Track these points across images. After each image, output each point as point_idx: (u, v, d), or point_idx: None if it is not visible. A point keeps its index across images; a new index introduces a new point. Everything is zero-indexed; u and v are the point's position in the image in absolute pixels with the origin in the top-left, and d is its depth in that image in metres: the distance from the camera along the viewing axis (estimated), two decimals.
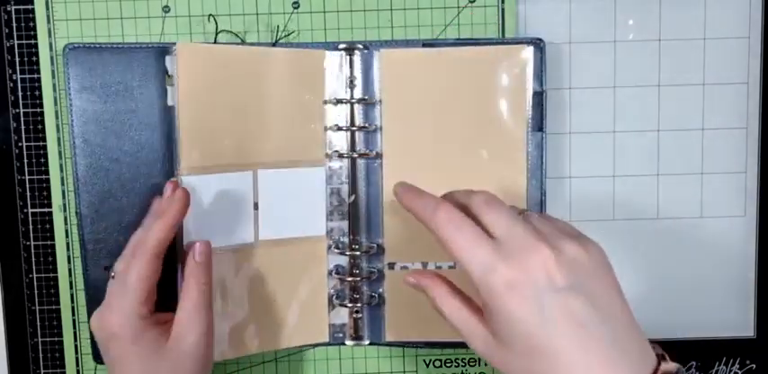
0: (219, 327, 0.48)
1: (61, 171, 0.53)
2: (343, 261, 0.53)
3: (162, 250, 0.44)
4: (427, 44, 0.52)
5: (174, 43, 0.48)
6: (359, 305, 0.53)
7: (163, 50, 0.51)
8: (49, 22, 0.52)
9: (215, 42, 0.52)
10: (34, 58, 0.53)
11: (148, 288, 0.44)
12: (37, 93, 0.53)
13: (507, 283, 0.33)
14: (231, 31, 0.53)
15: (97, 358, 0.53)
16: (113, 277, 0.46)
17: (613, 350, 0.32)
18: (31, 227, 0.54)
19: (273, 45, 0.52)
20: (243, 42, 0.52)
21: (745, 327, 0.57)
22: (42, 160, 0.54)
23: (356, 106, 0.52)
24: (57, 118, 0.53)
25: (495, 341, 0.35)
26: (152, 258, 0.44)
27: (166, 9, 0.53)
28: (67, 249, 0.54)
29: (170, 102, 0.51)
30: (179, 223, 0.45)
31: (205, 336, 0.44)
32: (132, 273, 0.44)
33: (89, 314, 0.52)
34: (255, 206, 0.51)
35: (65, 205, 0.54)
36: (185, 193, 0.45)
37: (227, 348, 0.50)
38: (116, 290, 0.45)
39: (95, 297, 0.52)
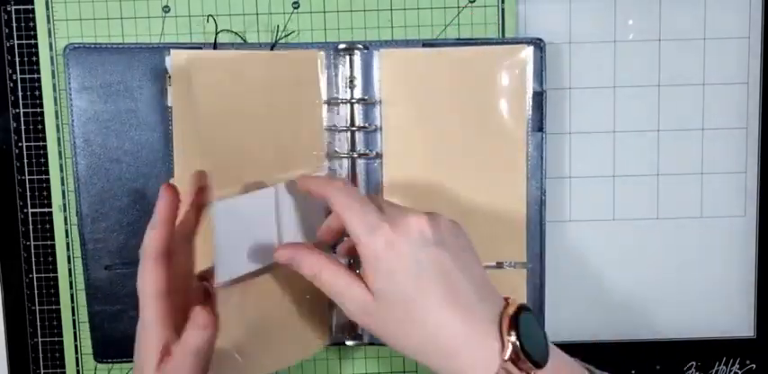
0: (231, 351, 0.46)
1: (61, 171, 0.53)
2: (344, 261, 0.53)
3: (161, 252, 0.43)
4: (427, 44, 0.52)
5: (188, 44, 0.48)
6: None
7: (163, 50, 0.51)
8: (49, 22, 0.52)
9: (215, 42, 0.52)
10: (34, 58, 0.53)
11: (159, 293, 0.43)
12: (37, 93, 0.53)
13: (388, 242, 0.38)
14: (232, 31, 0.53)
15: (98, 357, 0.53)
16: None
17: (473, 294, 0.38)
18: (30, 226, 0.54)
19: (273, 45, 0.52)
20: (244, 42, 0.52)
21: (745, 327, 0.57)
22: (42, 160, 0.54)
23: (356, 106, 0.52)
24: (57, 118, 0.53)
25: (373, 300, 0.39)
26: (153, 261, 0.43)
27: (166, 9, 0.53)
28: (67, 249, 0.54)
29: (169, 103, 0.51)
30: (171, 219, 0.44)
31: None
32: (140, 280, 0.43)
33: (89, 313, 0.52)
34: (277, 220, 0.47)
35: (65, 205, 0.54)
36: (171, 189, 0.44)
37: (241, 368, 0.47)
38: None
39: (96, 296, 0.52)
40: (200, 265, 0.47)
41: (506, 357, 0.36)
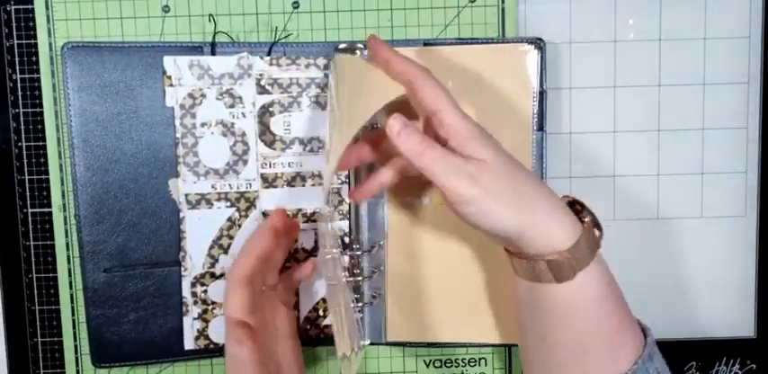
0: None
1: (61, 171, 0.53)
2: (345, 261, 0.53)
3: (246, 278, 0.45)
4: (427, 44, 0.52)
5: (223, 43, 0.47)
6: (359, 305, 0.53)
7: (163, 50, 0.51)
8: (48, 21, 0.52)
9: (213, 42, 0.52)
10: (34, 58, 0.53)
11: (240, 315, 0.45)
12: (36, 92, 0.53)
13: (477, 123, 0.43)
14: (225, 33, 0.52)
15: (96, 361, 0.53)
16: None
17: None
18: (30, 226, 0.54)
19: (272, 45, 0.52)
20: (235, 43, 0.52)
21: (745, 327, 0.57)
22: (42, 160, 0.54)
23: None
24: (56, 118, 0.53)
25: (478, 164, 0.41)
26: (238, 285, 0.45)
27: (166, 9, 0.53)
28: (67, 249, 0.54)
29: (169, 103, 0.51)
30: (265, 254, 0.46)
31: None
32: (225, 302, 0.45)
33: (87, 317, 0.52)
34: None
35: (64, 205, 0.54)
36: (272, 228, 0.47)
37: None
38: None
39: (94, 298, 0.52)
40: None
41: (585, 226, 0.41)
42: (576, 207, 0.43)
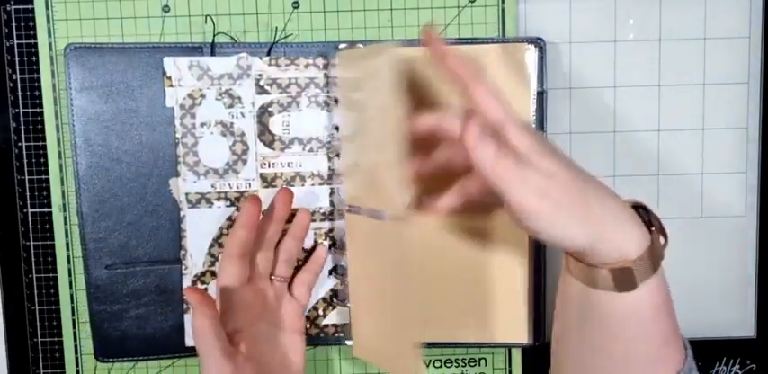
0: None
1: (61, 171, 0.53)
2: (344, 261, 0.53)
3: (241, 251, 0.46)
4: None
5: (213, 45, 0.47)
6: (350, 305, 0.53)
7: (163, 50, 0.51)
8: (48, 21, 0.52)
9: (213, 43, 0.52)
10: (34, 58, 0.53)
11: (231, 289, 0.46)
12: (37, 93, 0.53)
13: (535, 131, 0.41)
14: (225, 33, 0.53)
15: (98, 356, 0.53)
16: None
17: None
18: (30, 226, 0.54)
19: (271, 46, 0.52)
20: (235, 44, 0.52)
21: (745, 327, 0.57)
22: (42, 160, 0.54)
23: None
24: (56, 118, 0.53)
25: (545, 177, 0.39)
26: (233, 259, 0.46)
27: (166, 9, 0.53)
28: (67, 249, 0.54)
29: (169, 104, 0.51)
30: (253, 222, 0.47)
31: None
32: (219, 276, 0.47)
33: (90, 313, 0.52)
34: None
35: (64, 205, 0.54)
36: (254, 199, 0.47)
37: None
38: None
39: (97, 294, 0.52)
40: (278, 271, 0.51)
41: (652, 236, 0.40)
42: (641, 211, 0.42)
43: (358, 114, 0.48)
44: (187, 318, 0.53)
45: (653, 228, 0.41)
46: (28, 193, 0.54)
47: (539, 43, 0.51)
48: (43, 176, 0.54)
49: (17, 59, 0.53)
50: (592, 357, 0.42)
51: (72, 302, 0.55)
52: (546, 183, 0.38)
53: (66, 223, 0.54)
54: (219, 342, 0.43)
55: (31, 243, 0.54)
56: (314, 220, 0.53)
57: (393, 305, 0.46)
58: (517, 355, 0.56)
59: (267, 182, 0.52)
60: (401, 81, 0.43)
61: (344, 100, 0.50)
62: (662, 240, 0.41)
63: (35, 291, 0.55)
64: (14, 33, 0.53)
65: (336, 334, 0.54)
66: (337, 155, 0.52)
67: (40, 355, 0.55)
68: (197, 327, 0.43)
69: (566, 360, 0.45)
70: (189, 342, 0.53)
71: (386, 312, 0.47)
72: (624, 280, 0.39)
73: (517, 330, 0.52)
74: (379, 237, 0.47)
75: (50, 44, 0.52)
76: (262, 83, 0.52)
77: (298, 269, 0.52)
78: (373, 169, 0.46)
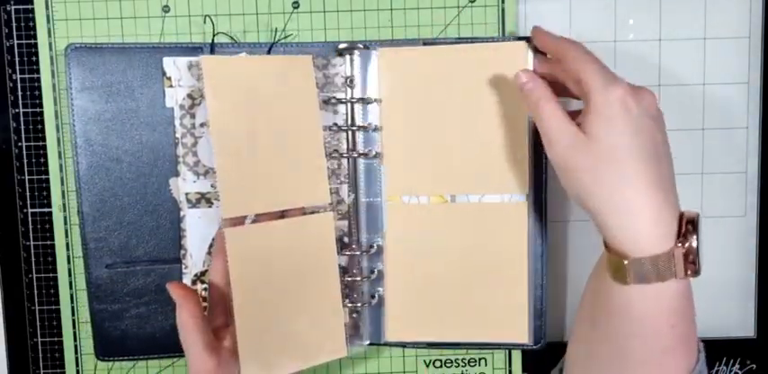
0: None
1: (61, 171, 0.53)
2: (344, 261, 0.53)
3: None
4: (427, 44, 0.52)
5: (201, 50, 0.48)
6: (359, 305, 0.53)
7: (163, 50, 0.51)
8: (48, 22, 0.52)
9: (212, 43, 0.52)
10: (34, 58, 0.53)
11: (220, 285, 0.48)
12: (37, 93, 0.53)
13: (623, 96, 0.41)
14: (226, 34, 0.53)
15: (99, 355, 0.53)
16: None
17: (670, 181, 0.41)
18: (30, 226, 0.54)
19: (272, 46, 0.52)
20: (235, 44, 0.52)
21: (745, 327, 0.57)
22: (42, 160, 0.54)
23: (356, 106, 0.52)
24: (56, 118, 0.53)
25: (586, 137, 0.41)
26: (222, 255, 0.48)
27: (166, 9, 0.53)
28: (67, 249, 0.54)
29: (168, 104, 0.51)
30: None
31: None
32: (209, 271, 0.49)
33: (91, 312, 0.52)
34: None
35: (64, 205, 0.54)
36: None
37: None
38: None
39: (97, 293, 0.52)
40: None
41: (683, 249, 0.38)
42: (689, 227, 0.40)
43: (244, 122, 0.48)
44: None
45: (681, 244, 0.39)
46: (28, 193, 0.54)
47: None
48: (43, 176, 0.54)
49: (17, 59, 0.53)
50: (611, 354, 0.42)
51: (72, 302, 0.55)
52: (581, 143, 0.40)
53: (66, 223, 0.54)
54: (203, 337, 0.45)
55: (31, 243, 0.54)
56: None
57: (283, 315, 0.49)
58: (517, 355, 0.56)
59: None
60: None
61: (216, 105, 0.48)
62: (690, 256, 0.39)
63: (35, 291, 0.55)
64: (14, 33, 0.53)
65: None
66: (331, 155, 0.52)
67: (40, 355, 0.55)
68: (180, 322, 0.45)
69: (584, 358, 0.45)
70: None
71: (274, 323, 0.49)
72: (664, 269, 0.39)
73: (517, 330, 0.52)
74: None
75: (50, 44, 0.52)
76: None
77: None
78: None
